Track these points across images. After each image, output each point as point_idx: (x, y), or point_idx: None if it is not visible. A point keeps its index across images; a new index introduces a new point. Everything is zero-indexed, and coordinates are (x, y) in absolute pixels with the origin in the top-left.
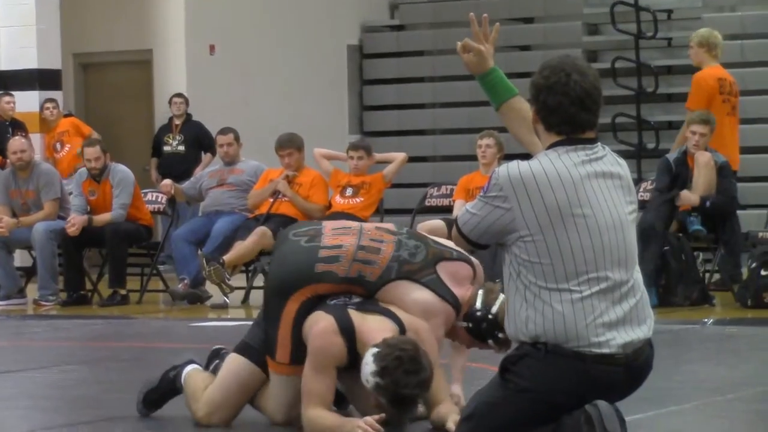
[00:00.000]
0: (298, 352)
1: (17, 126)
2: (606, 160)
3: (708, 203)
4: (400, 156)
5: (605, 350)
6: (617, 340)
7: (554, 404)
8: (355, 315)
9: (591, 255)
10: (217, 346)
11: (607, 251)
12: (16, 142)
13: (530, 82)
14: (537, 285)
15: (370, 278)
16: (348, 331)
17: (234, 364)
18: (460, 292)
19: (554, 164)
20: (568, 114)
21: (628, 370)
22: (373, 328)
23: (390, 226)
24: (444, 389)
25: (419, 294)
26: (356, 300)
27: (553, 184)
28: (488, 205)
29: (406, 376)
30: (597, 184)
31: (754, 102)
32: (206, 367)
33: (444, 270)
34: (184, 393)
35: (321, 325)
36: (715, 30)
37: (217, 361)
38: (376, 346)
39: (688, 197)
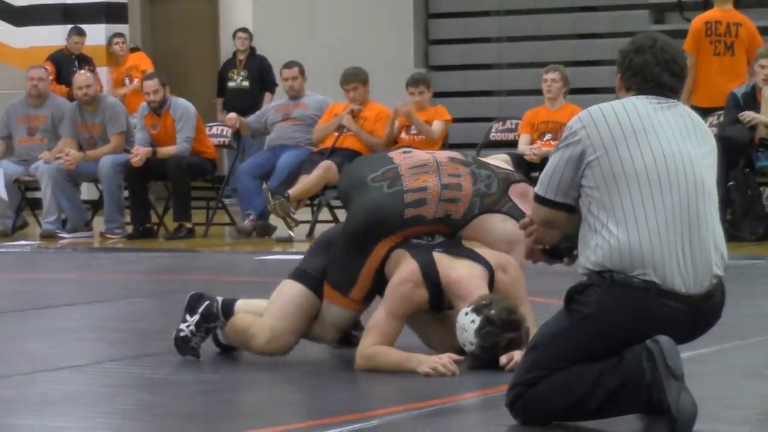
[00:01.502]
0: (373, 292)
1: (84, 60)
2: (680, 108)
3: None
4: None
5: (668, 284)
6: (683, 275)
7: (616, 335)
8: (441, 261)
9: (656, 178)
10: (196, 291)
11: (674, 178)
12: (81, 77)
13: (618, 52)
14: (605, 212)
15: (456, 216)
16: (433, 280)
17: (293, 289)
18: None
19: (623, 102)
20: (652, 74)
21: (694, 311)
22: (464, 276)
23: (456, 154)
24: (532, 325)
25: (503, 226)
26: (439, 240)
27: (618, 113)
28: (559, 150)
29: (506, 349)
30: (666, 120)
31: None
32: (191, 312)
33: (515, 193)
34: (227, 337)
35: (405, 272)
36: None
37: (205, 302)
38: (475, 310)
39: (757, 117)
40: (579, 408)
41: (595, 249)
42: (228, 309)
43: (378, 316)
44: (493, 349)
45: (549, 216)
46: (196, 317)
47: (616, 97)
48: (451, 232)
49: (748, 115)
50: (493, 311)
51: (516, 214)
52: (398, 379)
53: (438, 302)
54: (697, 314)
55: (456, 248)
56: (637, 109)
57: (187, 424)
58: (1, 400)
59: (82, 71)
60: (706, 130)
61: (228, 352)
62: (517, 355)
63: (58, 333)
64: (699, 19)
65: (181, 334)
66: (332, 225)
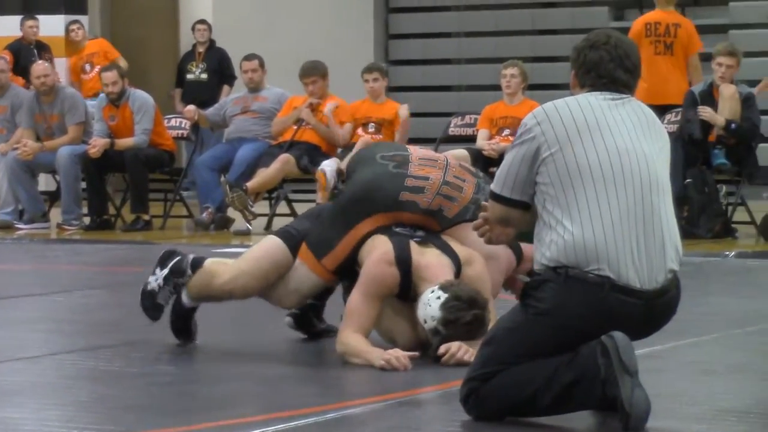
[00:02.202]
0: (343, 265)
1: (42, 48)
2: (633, 104)
3: (733, 126)
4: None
5: (623, 279)
6: (638, 270)
7: (571, 330)
8: (413, 247)
9: (610, 174)
10: (170, 248)
11: (627, 174)
12: (38, 67)
13: (572, 48)
14: (559, 209)
15: (447, 214)
16: (404, 262)
17: (270, 242)
18: (525, 246)
19: (578, 98)
20: (607, 70)
21: (649, 306)
22: (432, 263)
23: (469, 165)
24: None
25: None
26: (420, 233)
27: (572, 109)
28: (514, 147)
29: (468, 333)
30: (620, 116)
31: None
32: (161, 266)
33: None
34: (190, 291)
35: (378, 252)
36: None
37: (177, 257)
38: (442, 288)
39: (714, 116)
40: (533, 403)
41: (550, 245)
42: (197, 265)
43: (354, 300)
44: (454, 325)
45: (505, 213)
46: (165, 271)
47: (572, 93)
48: (438, 228)
49: (705, 111)
50: (461, 290)
51: None
52: (356, 373)
53: (406, 286)
54: (652, 309)
55: (432, 238)
56: (591, 105)
57: (141, 416)
58: None
59: (40, 61)
60: (660, 125)
61: (186, 341)
62: (454, 347)
63: (12, 324)
64: (639, 21)
65: (149, 287)
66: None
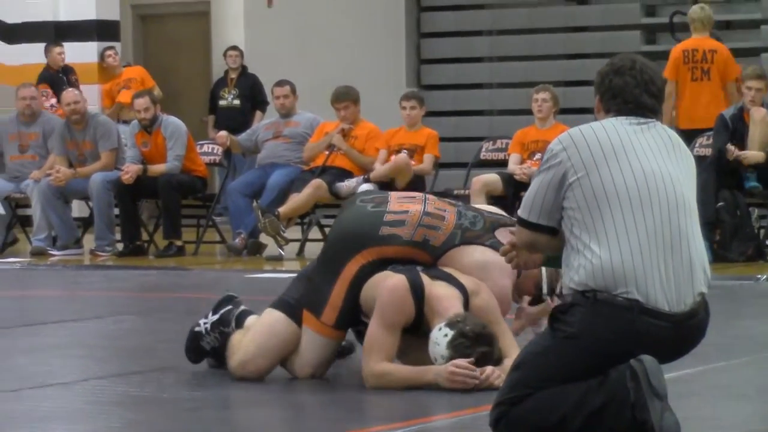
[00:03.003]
0: (345, 317)
1: (68, 72)
2: (658, 128)
3: None
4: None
5: (652, 302)
6: (666, 293)
7: (600, 354)
8: (425, 277)
9: (637, 197)
10: (230, 293)
11: (654, 196)
12: (69, 94)
13: (596, 74)
14: (587, 233)
15: (434, 243)
16: (418, 292)
17: (270, 317)
18: None
19: (603, 123)
20: (632, 95)
21: (678, 329)
22: (442, 295)
23: (448, 200)
24: (511, 345)
25: (480, 254)
26: (419, 268)
27: (598, 134)
28: (541, 173)
29: (477, 363)
30: (645, 140)
31: None
32: (214, 311)
33: (503, 235)
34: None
35: (393, 281)
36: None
37: (229, 306)
38: (448, 325)
39: (754, 156)
40: (563, 427)
41: (578, 269)
42: (240, 320)
43: (373, 332)
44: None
45: (532, 239)
46: (215, 318)
47: (596, 118)
48: (430, 260)
49: (731, 152)
50: (467, 326)
51: (498, 248)
52: (379, 397)
53: (419, 317)
54: (681, 332)
55: (435, 271)
56: (617, 129)
57: None
58: None
59: (71, 89)
60: (685, 148)
61: (194, 361)
62: (489, 369)
63: (45, 350)
64: (677, 49)
65: (197, 328)
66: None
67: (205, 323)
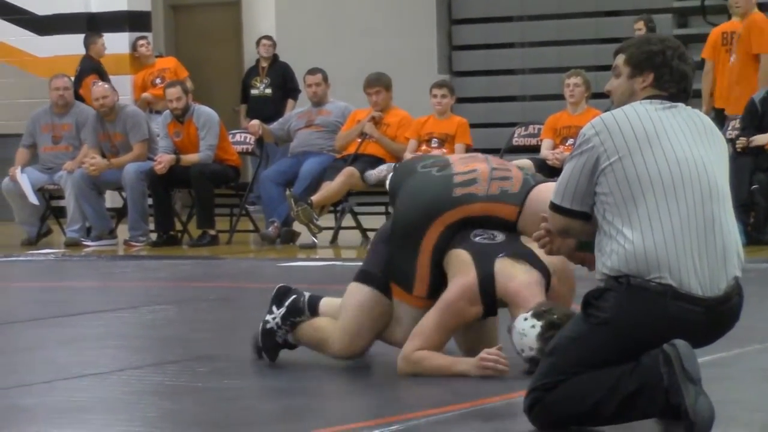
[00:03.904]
0: (436, 284)
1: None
2: (689, 111)
3: None
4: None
5: (685, 287)
6: (700, 278)
7: (633, 339)
8: (501, 272)
9: (670, 183)
10: (283, 285)
11: (687, 182)
12: (98, 89)
13: (647, 52)
14: (619, 218)
15: (512, 190)
16: (489, 295)
17: (358, 295)
18: None
19: (635, 107)
20: (691, 84)
21: (711, 313)
22: (521, 288)
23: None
24: None
25: None
26: (501, 239)
27: (631, 119)
28: (573, 158)
29: None
30: (678, 125)
31: None
32: (278, 305)
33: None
34: (298, 339)
35: (462, 286)
36: None
37: (293, 296)
38: (535, 316)
39: (762, 138)
40: (596, 413)
41: (611, 254)
42: (314, 305)
43: (426, 325)
44: None
45: (565, 224)
46: (283, 310)
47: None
48: (514, 210)
49: (743, 143)
50: (555, 316)
51: None
52: (417, 385)
53: (491, 312)
54: (714, 316)
55: (518, 250)
56: (650, 114)
57: (207, 430)
58: (22, 408)
59: (100, 83)
60: (716, 131)
61: (270, 358)
62: None
63: (80, 341)
64: (716, 31)
65: (268, 326)
66: (357, 230)
67: (274, 318)
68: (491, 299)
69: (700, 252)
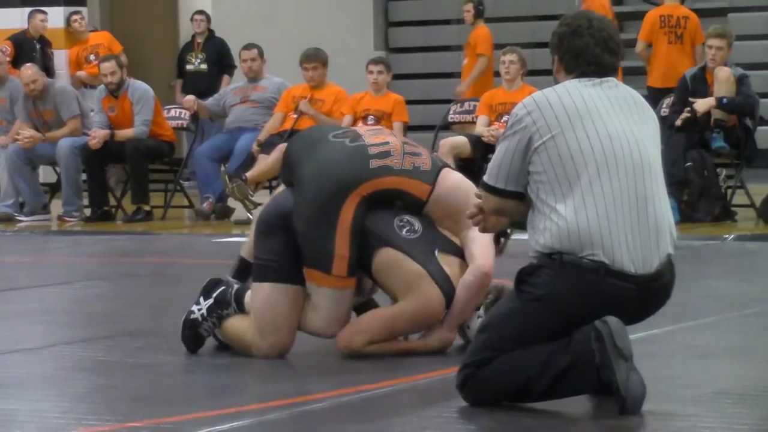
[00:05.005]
0: (354, 262)
1: (45, 43)
2: (621, 88)
3: (724, 100)
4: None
5: (618, 264)
6: (632, 255)
7: (566, 315)
8: (448, 268)
9: (603, 160)
10: (213, 278)
11: (620, 159)
12: (27, 72)
13: (552, 35)
14: (553, 196)
15: (424, 167)
16: (450, 296)
17: (262, 292)
18: None
19: (565, 85)
20: (593, 55)
21: (643, 290)
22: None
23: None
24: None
25: (461, 177)
26: (420, 228)
27: (562, 97)
28: (506, 139)
29: None
30: (609, 102)
31: None
32: (206, 296)
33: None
34: (224, 337)
35: (431, 304)
36: None
37: (221, 287)
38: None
39: (704, 102)
40: (528, 389)
41: (544, 231)
42: (239, 299)
43: (399, 317)
44: None
45: (499, 204)
46: (210, 301)
47: (555, 80)
48: (427, 188)
49: (697, 105)
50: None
51: None
52: (354, 362)
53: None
54: (647, 294)
55: (444, 243)
56: (580, 92)
57: (140, 406)
58: None
59: (28, 64)
60: (648, 107)
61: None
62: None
63: (12, 316)
64: (653, 13)
65: (192, 316)
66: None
67: (199, 309)
68: (451, 298)
69: (633, 229)
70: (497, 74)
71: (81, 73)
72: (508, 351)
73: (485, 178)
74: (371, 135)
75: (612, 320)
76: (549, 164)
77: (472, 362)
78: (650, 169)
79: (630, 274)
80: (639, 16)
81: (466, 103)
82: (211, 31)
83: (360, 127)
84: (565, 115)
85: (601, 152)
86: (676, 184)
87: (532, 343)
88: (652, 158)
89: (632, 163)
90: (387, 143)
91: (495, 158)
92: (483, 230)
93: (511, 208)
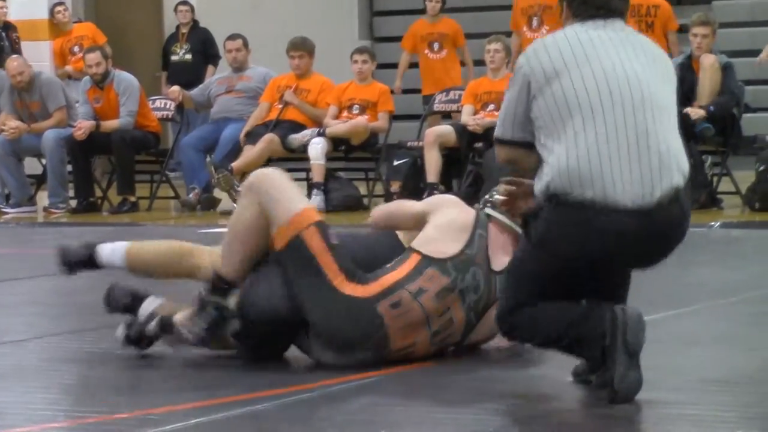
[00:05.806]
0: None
1: (9, 29)
2: (629, 31)
3: (712, 108)
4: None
5: (610, 198)
6: (626, 189)
7: (565, 257)
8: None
9: (597, 100)
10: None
11: (616, 96)
12: (13, 63)
13: None
14: (551, 140)
15: (453, 340)
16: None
17: None
18: None
19: (564, 31)
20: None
21: (642, 222)
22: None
23: (444, 282)
24: None
25: None
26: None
27: (560, 42)
28: (510, 89)
29: None
30: (610, 41)
31: None
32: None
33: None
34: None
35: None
36: None
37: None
38: None
39: (696, 112)
40: (549, 342)
41: (542, 176)
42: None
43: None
44: None
45: (510, 155)
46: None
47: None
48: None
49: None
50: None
51: None
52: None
53: None
54: (647, 226)
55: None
56: (578, 35)
57: (127, 397)
58: None
59: (15, 56)
60: (657, 51)
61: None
62: None
63: None
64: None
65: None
66: None
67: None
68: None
69: (631, 164)
70: (482, 63)
71: (68, 68)
72: (530, 300)
73: (495, 131)
74: (401, 335)
75: (632, 311)
76: (546, 109)
77: (506, 310)
78: (652, 102)
79: (626, 208)
80: None
81: (452, 92)
82: (195, 22)
83: (392, 322)
84: (560, 60)
85: (595, 92)
86: None
87: (544, 288)
88: (654, 92)
89: (631, 99)
90: (414, 344)
91: (501, 109)
92: (513, 213)
93: (522, 157)
